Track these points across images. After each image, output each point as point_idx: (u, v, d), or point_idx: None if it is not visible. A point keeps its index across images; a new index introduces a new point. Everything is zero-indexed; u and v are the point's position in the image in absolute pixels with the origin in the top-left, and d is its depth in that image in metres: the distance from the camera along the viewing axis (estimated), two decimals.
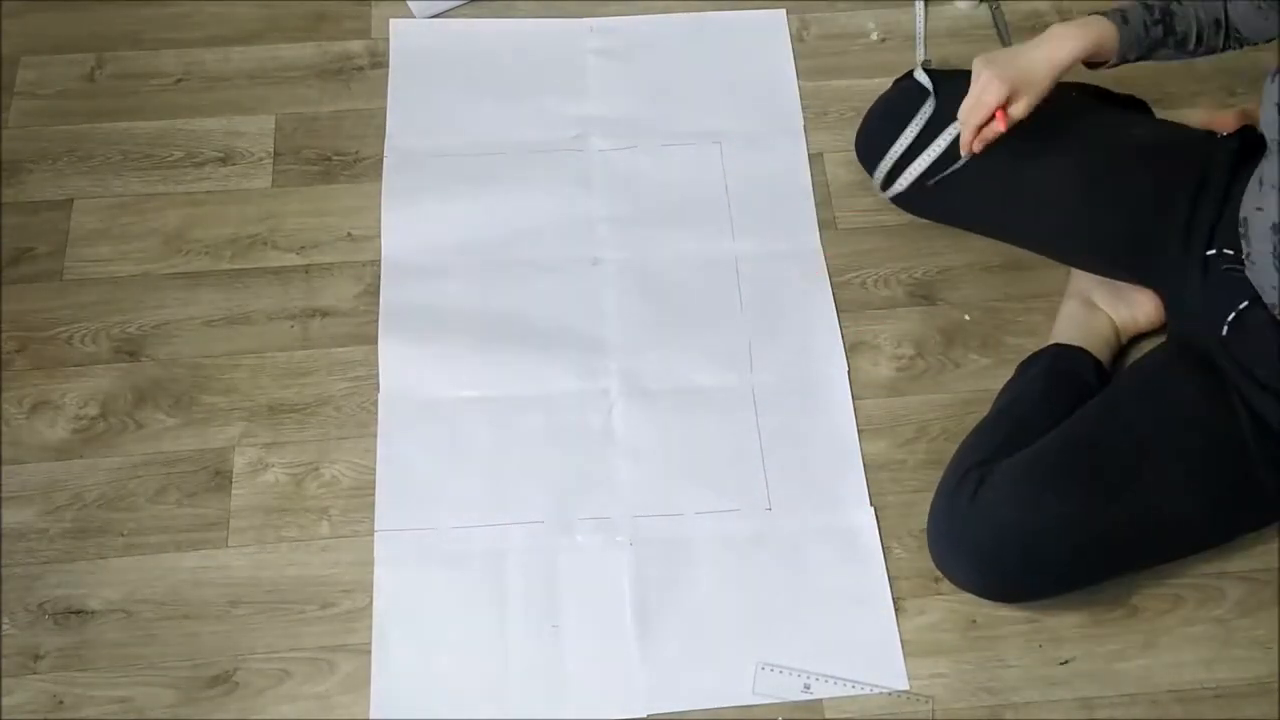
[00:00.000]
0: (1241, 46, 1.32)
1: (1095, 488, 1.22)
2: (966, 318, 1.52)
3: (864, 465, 1.42)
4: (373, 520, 1.36)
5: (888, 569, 1.35)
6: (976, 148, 1.33)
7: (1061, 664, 1.31)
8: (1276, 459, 1.22)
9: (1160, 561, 1.31)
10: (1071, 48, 1.29)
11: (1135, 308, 1.44)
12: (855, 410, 1.45)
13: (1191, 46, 1.30)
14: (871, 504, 1.39)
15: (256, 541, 1.35)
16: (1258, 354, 1.23)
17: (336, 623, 1.31)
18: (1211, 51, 1.32)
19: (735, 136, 1.65)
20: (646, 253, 1.56)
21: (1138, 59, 1.31)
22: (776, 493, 1.39)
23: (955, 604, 1.32)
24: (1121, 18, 1.29)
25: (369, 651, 1.29)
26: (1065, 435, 1.28)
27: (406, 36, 1.73)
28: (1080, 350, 1.42)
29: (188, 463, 1.40)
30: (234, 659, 1.29)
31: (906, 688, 1.29)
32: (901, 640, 1.31)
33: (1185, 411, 1.26)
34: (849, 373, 1.48)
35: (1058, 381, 1.40)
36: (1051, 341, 1.45)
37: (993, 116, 1.30)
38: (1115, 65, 1.32)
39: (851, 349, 1.50)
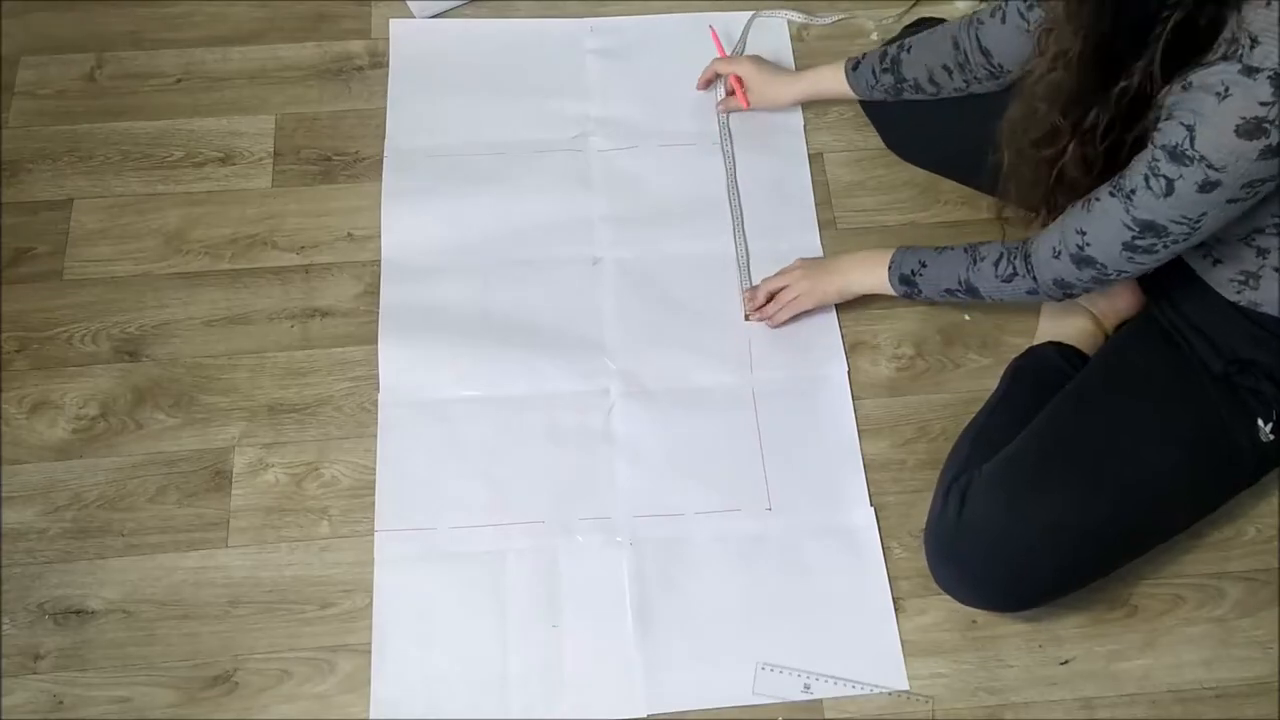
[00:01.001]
0: (1002, 76, 1.36)
1: (1075, 483, 1.22)
2: (966, 317, 1.52)
3: (864, 465, 1.42)
4: (373, 520, 1.36)
5: (888, 569, 1.35)
6: (721, 109, 1.65)
7: (1061, 664, 1.31)
8: (1245, 417, 1.22)
9: (1156, 542, 1.30)
10: (799, 90, 1.59)
11: (1114, 298, 1.44)
12: (855, 410, 1.45)
13: (931, 90, 1.45)
14: (871, 504, 1.39)
15: (256, 541, 1.35)
16: (1213, 321, 1.24)
17: (336, 623, 1.31)
18: (971, 87, 1.40)
19: (735, 136, 1.65)
20: (646, 253, 1.56)
21: (892, 99, 1.50)
22: (776, 493, 1.39)
23: (955, 604, 1.31)
24: (854, 65, 1.51)
25: (369, 651, 1.29)
26: (1039, 435, 1.27)
27: (406, 36, 1.73)
28: (1048, 346, 1.42)
29: (188, 463, 1.40)
30: (234, 659, 1.29)
31: (906, 688, 1.29)
32: (901, 640, 1.31)
33: (1152, 389, 1.26)
34: (849, 373, 1.48)
35: (1014, 381, 1.41)
36: (1036, 338, 1.46)
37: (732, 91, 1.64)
38: (869, 99, 1.53)
39: (851, 349, 1.50)
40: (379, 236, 1.56)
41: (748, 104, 1.63)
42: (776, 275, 1.49)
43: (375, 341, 1.48)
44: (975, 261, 1.28)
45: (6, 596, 1.31)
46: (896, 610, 1.33)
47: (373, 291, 1.52)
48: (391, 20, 1.74)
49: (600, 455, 1.41)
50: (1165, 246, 1.10)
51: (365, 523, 1.37)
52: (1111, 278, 1.17)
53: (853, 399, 1.46)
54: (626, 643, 1.30)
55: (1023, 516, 1.21)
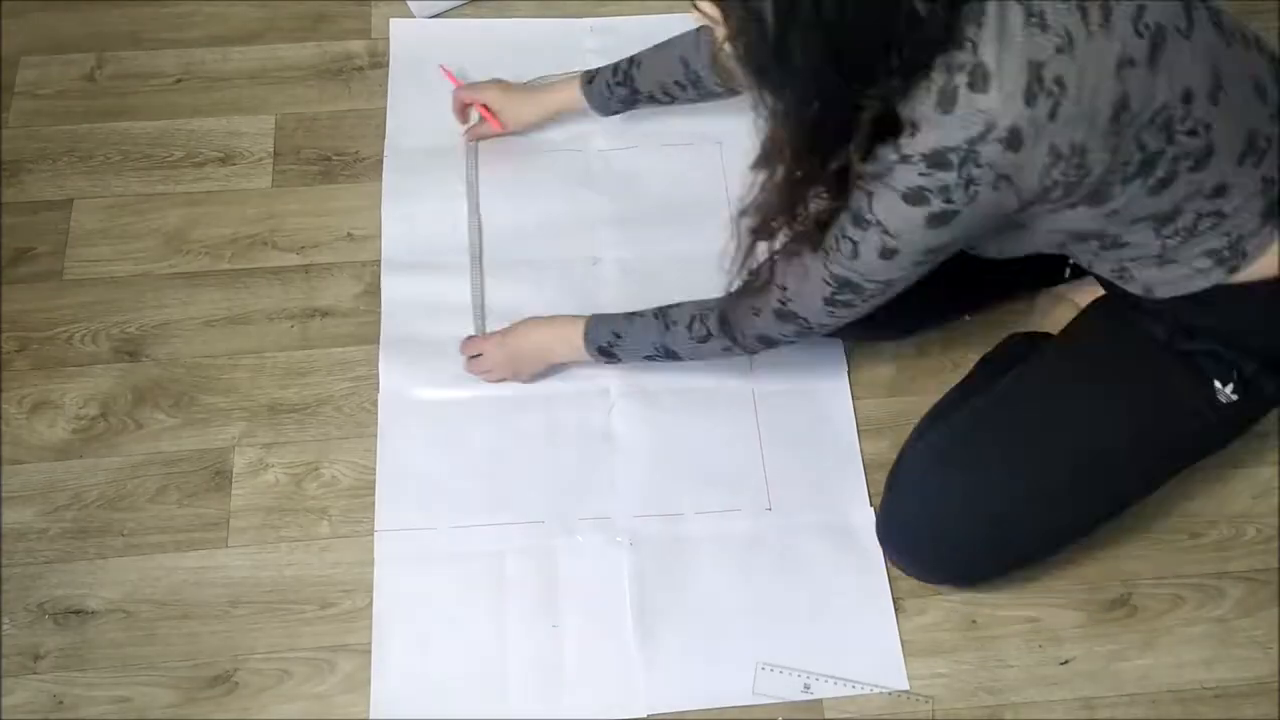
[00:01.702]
0: (737, 89, 1.38)
1: (1011, 442, 1.22)
2: (966, 318, 1.52)
3: (864, 465, 1.42)
4: (373, 520, 1.36)
5: (888, 569, 1.35)
6: (468, 138, 1.62)
7: (1061, 664, 1.31)
8: (1199, 380, 1.18)
9: (1105, 510, 1.26)
10: (541, 109, 1.57)
11: (1097, 287, 1.43)
12: (855, 410, 1.45)
13: (666, 101, 1.48)
14: (871, 504, 1.39)
15: (256, 541, 1.35)
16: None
17: (336, 623, 1.31)
18: (705, 99, 1.45)
19: (735, 137, 1.65)
20: (646, 252, 1.56)
21: (625, 109, 1.53)
22: (776, 493, 1.39)
23: (955, 604, 1.32)
24: (589, 79, 1.51)
25: (369, 651, 1.29)
26: (977, 404, 1.28)
27: (406, 36, 1.73)
28: (1019, 335, 1.45)
29: (188, 463, 1.40)
30: (234, 659, 1.29)
31: (906, 688, 1.29)
32: (901, 640, 1.31)
33: (1095, 356, 1.24)
34: (849, 373, 1.48)
35: (979, 365, 1.43)
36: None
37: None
38: (610, 114, 1.54)
39: (851, 349, 1.49)
40: (379, 236, 1.56)
41: (500, 127, 1.58)
42: (476, 339, 1.44)
43: (375, 341, 1.48)
44: (668, 327, 1.29)
45: (6, 596, 1.31)
46: (896, 610, 1.33)
47: (373, 291, 1.52)
48: (391, 20, 1.74)
49: (600, 455, 1.41)
50: (864, 301, 1.11)
51: (365, 523, 1.37)
52: (813, 331, 1.18)
53: (853, 399, 1.46)
54: (626, 643, 1.30)
55: (940, 486, 1.23)
